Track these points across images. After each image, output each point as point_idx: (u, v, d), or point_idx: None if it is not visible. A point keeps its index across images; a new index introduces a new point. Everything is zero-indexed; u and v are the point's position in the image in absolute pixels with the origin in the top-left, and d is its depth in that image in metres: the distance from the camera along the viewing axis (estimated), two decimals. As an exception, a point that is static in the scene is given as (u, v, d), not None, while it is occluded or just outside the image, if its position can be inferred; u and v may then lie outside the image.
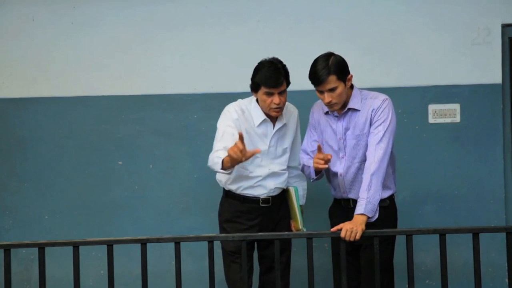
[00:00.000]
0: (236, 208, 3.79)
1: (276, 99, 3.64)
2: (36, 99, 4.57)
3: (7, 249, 3.29)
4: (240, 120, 3.72)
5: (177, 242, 3.31)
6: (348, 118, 3.57)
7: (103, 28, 4.56)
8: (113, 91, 4.57)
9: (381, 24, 4.47)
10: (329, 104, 3.51)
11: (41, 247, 3.28)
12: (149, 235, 3.44)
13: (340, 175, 3.60)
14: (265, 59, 3.72)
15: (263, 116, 3.73)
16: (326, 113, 3.65)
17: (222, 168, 3.54)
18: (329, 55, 3.51)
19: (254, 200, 3.77)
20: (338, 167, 3.61)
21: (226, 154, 3.48)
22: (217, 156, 3.57)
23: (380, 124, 3.51)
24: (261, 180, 3.76)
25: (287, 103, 3.80)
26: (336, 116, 3.59)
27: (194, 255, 4.35)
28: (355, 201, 3.55)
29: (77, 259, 3.28)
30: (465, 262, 4.37)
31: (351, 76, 3.52)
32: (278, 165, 3.80)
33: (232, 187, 3.78)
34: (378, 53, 4.46)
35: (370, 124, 3.52)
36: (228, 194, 3.82)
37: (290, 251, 3.92)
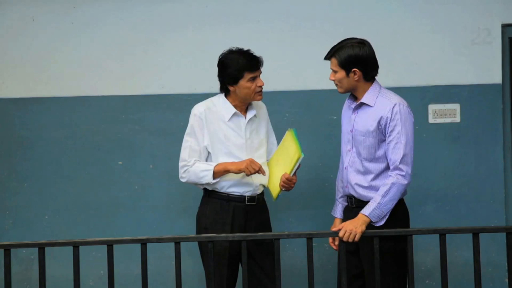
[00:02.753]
0: (220, 208, 3.72)
1: (259, 81, 3.69)
2: (36, 99, 4.57)
3: (7, 249, 3.29)
4: (208, 120, 3.72)
5: (177, 242, 3.31)
6: (360, 112, 3.53)
7: (103, 28, 4.56)
8: (113, 91, 4.57)
9: (381, 24, 4.47)
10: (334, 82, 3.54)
11: (41, 247, 3.28)
12: (149, 235, 3.44)
13: (345, 168, 3.59)
14: (224, 52, 3.73)
15: (233, 110, 3.73)
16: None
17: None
18: (358, 42, 3.50)
19: (240, 198, 3.73)
20: (345, 159, 3.60)
21: (205, 167, 3.63)
22: (202, 170, 3.65)
23: (395, 135, 3.43)
24: (246, 176, 3.70)
25: None
26: (352, 108, 3.58)
27: (194, 255, 4.34)
28: (357, 200, 3.54)
29: (77, 259, 3.28)
30: (465, 262, 4.36)
31: (360, 73, 3.46)
32: (258, 158, 3.75)
33: (217, 186, 3.73)
34: (378, 53, 4.39)
35: (378, 128, 3.46)
36: (211, 194, 3.76)
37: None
